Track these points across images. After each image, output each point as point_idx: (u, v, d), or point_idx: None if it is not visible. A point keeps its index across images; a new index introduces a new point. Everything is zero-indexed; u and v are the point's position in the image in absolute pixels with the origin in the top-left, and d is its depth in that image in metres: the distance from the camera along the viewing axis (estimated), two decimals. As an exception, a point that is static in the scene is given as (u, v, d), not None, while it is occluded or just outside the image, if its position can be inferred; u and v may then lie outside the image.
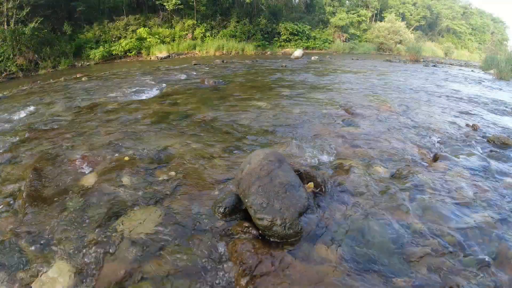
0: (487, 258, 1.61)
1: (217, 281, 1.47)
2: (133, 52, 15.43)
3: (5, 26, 11.34)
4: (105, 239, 1.73)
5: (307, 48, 20.87)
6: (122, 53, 15.01)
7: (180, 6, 17.30)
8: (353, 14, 23.80)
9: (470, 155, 2.91)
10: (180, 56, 16.17)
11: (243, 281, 1.44)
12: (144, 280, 1.48)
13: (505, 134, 3.63)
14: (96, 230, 1.80)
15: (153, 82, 6.95)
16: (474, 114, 4.56)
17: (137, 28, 16.30)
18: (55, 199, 2.14)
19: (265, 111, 4.29)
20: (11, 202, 2.15)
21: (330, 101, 4.94)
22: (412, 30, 27.79)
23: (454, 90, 6.83)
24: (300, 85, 6.72)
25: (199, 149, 2.91)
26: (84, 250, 1.66)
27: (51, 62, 12.05)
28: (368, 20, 26.15)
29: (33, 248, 1.70)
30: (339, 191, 2.19)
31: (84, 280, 1.49)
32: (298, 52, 15.84)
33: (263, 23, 19.95)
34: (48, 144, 3.16)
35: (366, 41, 24.28)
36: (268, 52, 19.09)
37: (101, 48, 14.29)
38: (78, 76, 8.78)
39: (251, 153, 2.06)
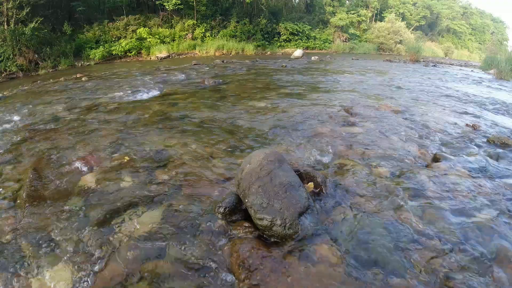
0: (487, 258, 1.61)
1: (217, 281, 1.47)
2: (133, 52, 15.44)
3: (5, 26, 11.34)
4: (105, 239, 1.73)
5: (307, 48, 20.88)
6: (122, 53, 15.01)
7: (180, 6, 17.31)
8: (353, 14, 23.79)
9: (470, 155, 2.91)
10: (180, 56, 16.18)
11: (243, 281, 1.43)
12: (144, 280, 1.48)
13: (505, 134, 3.63)
14: (96, 230, 1.80)
15: (153, 82, 6.95)
16: (474, 114, 4.56)
17: (137, 28, 16.31)
18: (55, 199, 2.14)
19: (265, 111, 4.28)
20: (11, 202, 2.15)
21: (330, 101, 4.94)
22: (412, 30, 27.80)
23: (454, 90, 6.83)
24: (300, 85, 6.72)
25: (199, 149, 2.91)
26: (84, 250, 1.66)
27: (51, 62, 12.05)
28: (368, 20, 26.16)
29: (33, 248, 1.70)
30: (339, 191, 2.19)
31: (84, 280, 1.49)
32: (298, 52, 15.85)
33: (263, 23, 19.95)
34: (48, 144, 3.16)
35: (366, 41, 24.29)
36: (268, 52, 19.10)
37: (101, 48, 14.30)
38: (78, 76, 8.77)
39: (251, 153, 2.06)
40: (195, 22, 18.19)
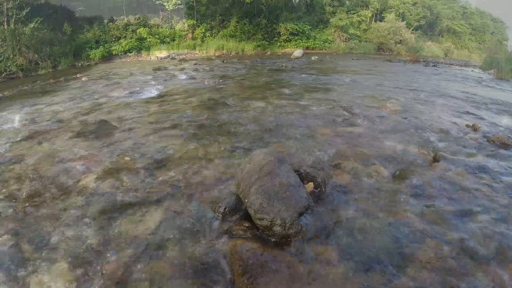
0: (487, 258, 1.61)
1: (217, 281, 1.47)
2: (133, 52, 15.43)
3: (5, 26, 11.33)
4: (104, 239, 1.73)
5: (307, 48, 20.85)
6: (122, 53, 15.01)
7: (180, 6, 17.30)
8: (353, 14, 23.78)
9: (470, 156, 2.91)
10: (180, 56, 16.17)
11: (243, 281, 1.43)
12: (144, 280, 1.48)
13: (505, 134, 3.63)
14: (96, 230, 1.80)
15: (153, 82, 6.95)
16: (474, 114, 4.55)
17: (137, 28, 16.30)
18: (55, 199, 2.14)
19: (265, 111, 4.29)
20: (11, 202, 2.15)
21: (330, 101, 4.94)
22: (412, 30, 27.77)
23: (454, 90, 6.83)
24: (300, 85, 6.71)
25: (199, 149, 2.91)
26: (83, 250, 1.66)
27: (51, 62, 12.04)
28: (368, 20, 26.13)
29: (33, 248, 1.70)
30: (339, 191, 2.19)
31: (83, 280, 1.49)
32: (298, 52, 15.83)
33: (263, 23, 19.94)
34: (48, 144, 3.16)
35: (366, 41, 24.25)
36: (268, 52, 19.08)
37: (101, 48, 14.29)
38: (78, 76, 8.78)
39: (251, 153, 2.07)
40: (195, 22, 18.18)
